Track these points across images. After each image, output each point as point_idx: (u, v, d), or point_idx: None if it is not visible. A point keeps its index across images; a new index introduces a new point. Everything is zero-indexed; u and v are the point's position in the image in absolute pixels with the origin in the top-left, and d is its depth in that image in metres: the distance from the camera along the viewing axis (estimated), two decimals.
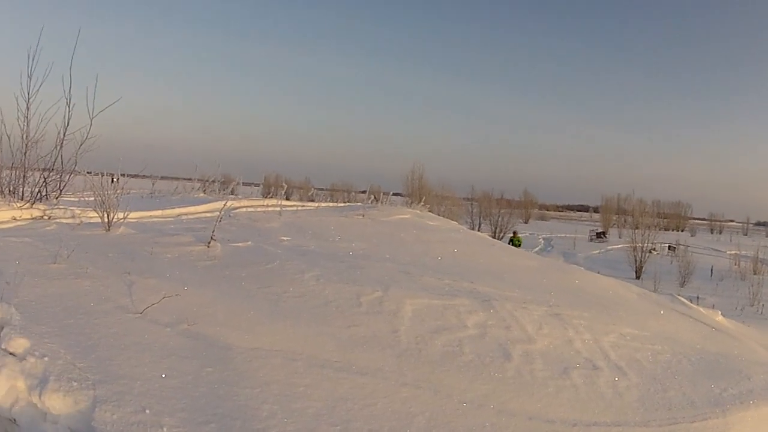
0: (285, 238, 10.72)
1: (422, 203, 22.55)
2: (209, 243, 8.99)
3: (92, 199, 10.04)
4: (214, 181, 17.25)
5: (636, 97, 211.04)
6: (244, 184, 21.99)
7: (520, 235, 37.23)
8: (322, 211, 15.86)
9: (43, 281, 6.59)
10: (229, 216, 11.41)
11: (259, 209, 13.86)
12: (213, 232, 9.12)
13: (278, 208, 13.78)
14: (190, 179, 18.04)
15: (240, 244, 9.43)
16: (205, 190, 16.84)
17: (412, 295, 8.02)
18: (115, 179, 12.47)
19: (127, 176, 12.74)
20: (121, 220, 9.61)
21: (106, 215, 9.42)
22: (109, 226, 9.41)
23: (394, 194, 25.25)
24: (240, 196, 16.34)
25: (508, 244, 26.79)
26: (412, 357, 6.34)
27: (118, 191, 9.97)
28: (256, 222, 12.04)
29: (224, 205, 11.11)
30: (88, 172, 11.72)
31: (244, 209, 13.53)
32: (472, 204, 69.02)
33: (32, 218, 10.25)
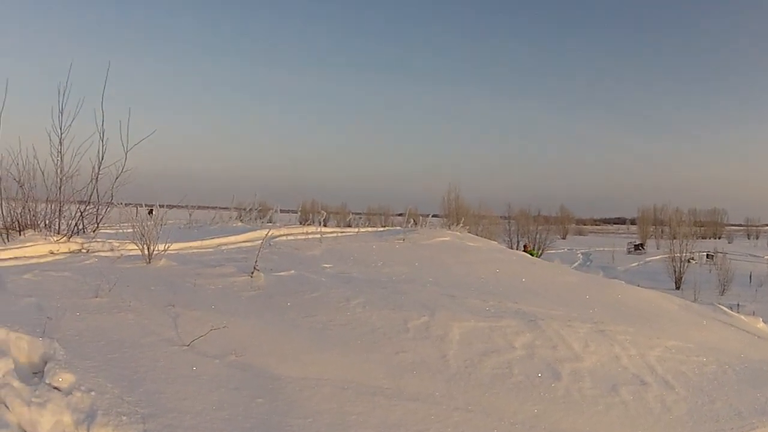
0: (327, 266, 10.69)
1: (461, 224, 22.43)
2: (252, 273, 8.90)
3: (130, 231, 10.03)
4: (251, 210, 17.26)
5: (665, 103, 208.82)
6: (281, 211, 22.04)
7: (532, 249, 36.12)
8: (362, 236, 15.91)
9: (85, 315, 6.52)
10: (270, 245, 11.35)
11: (299, 237, 13.83)
12: (256, 262, 9.04)
13: (318, 235, 13.72)
14: (227, 208, 18.10)
15: (283, 273, 9.37)
16: (242, 219, 16.85)
17: (458, 319, 8.00)
18: (152, 211, 12.49)
19: (165, 207, 12.68)
20: (162, 252, 9.56)
21: (146, 247, 9.37)
22: (149, 259, 9.35)
23: (432, 216, 25.36)
24: (278, 224, 16.35)
25: None
26: (462, 380, 6.33)
27: (157, 223, 9.92)
28: (297, 250, 12.04)
29: (266, 234, 11.03)
30: (126, 204, 11.74)
31: (285, 237, 13.50)
32: (509, 222, 68.86)
33: (70, 252, 10.24)
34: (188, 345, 6.01)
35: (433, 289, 9.74)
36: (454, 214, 44.79)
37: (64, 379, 4.92)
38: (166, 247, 9.69)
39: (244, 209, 17.58)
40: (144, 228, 9.43)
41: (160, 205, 12.92)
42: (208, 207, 20.10)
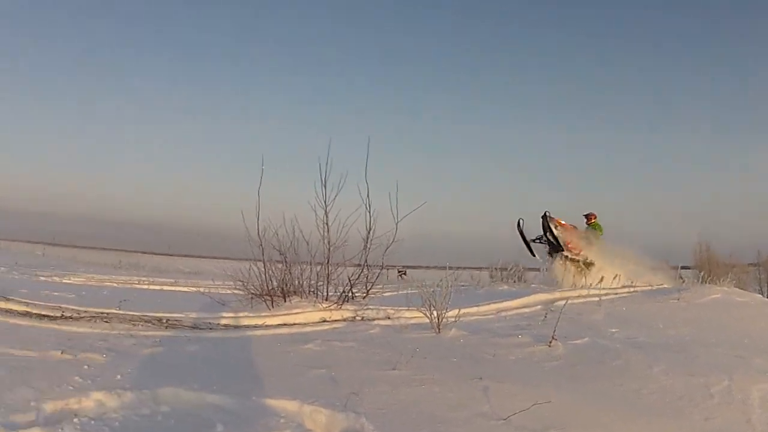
0: (613, 330, 10.40)
1: (729, 279, 21.37)
2: (550, 342, 8.66)
3: (389, 294, 10.08)
4: (513, 271, 17.15)
5: None
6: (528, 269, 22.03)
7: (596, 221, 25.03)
8: (635, 296, 15.47)
9: (387, 388, 6.47)
10: (551, 310, 11.10)
11: (576, 300, 13.50)
12: (554, 330, 8.82)
13: (596, 298, 13.36)
14: (487, 268, 18.14)
15: (577, 342, 9.11)
16: (503, 280, 16.78)
17: (754, 381, 7.57)
18: (404, 272, 12.65)
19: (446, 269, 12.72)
20: (452, 321, 9.48)
21: (436, 316, 9.31)
22: (439, 328, 9.28)
23: (681, 267, 24.62)
24: (543, 286, 16.20)
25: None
26: None
27: (447, 290, 9.82)
28: (579, 315, 11.85)
29: (565, 301, 10.75)
30: (382, 267, 11.98)
31: (561, 301, 13.21)
32: (759, 269, 64.55)
33: (344, 319, 10.37)
34: (505, 419, 5.80)
35: (719, 350, 9.35)
36: (705, 265, 42.63)
37: None
38: (458, 315, 9.63)
39: (502, 269, 17.52)
40: (432, 296, 9.41)
41: (411, 266, 13.10)
42: (464, 267, 20.19)
